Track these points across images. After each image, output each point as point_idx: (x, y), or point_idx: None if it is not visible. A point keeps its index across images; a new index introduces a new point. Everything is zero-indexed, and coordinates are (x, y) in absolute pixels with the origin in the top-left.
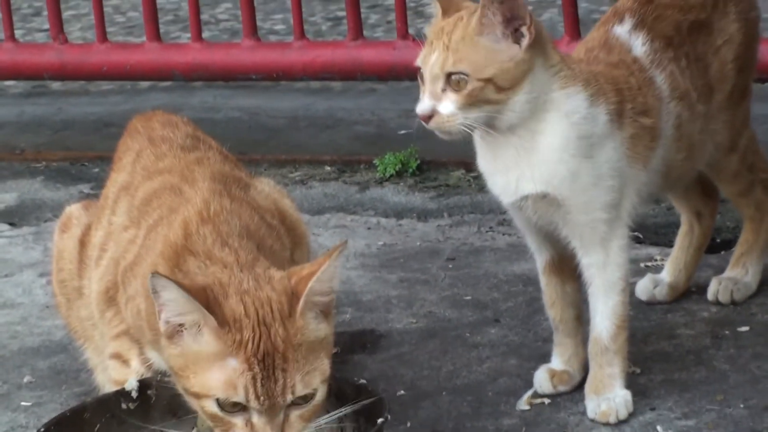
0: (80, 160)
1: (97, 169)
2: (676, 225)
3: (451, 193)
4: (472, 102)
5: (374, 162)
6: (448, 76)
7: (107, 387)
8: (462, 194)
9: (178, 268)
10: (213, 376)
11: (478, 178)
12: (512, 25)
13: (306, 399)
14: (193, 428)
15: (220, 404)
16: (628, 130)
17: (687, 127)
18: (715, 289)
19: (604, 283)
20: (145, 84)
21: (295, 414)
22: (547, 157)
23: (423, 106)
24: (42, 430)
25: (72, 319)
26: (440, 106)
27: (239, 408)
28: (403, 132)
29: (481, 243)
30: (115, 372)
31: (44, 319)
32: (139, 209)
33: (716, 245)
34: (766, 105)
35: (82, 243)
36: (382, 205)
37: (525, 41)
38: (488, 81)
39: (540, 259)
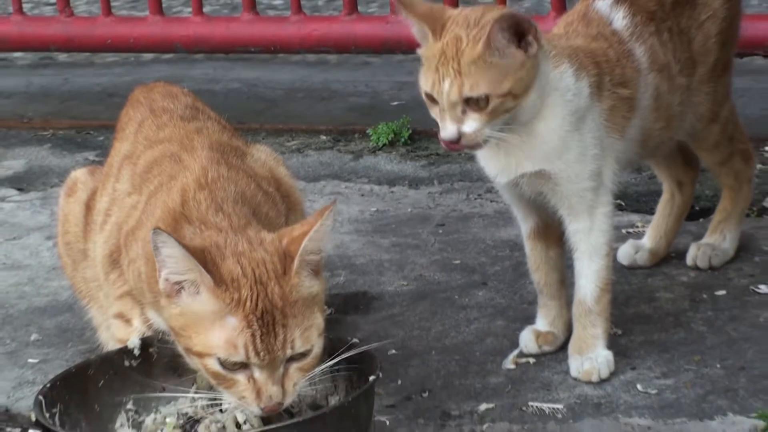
0: (85, 128)
1: (101, 138)
2: (658, 193)
3: (441, 162)
4: (495, 116)
5: (368, 132)
6: (467, 99)
7: (110, 345)
8: (452, 163)
9: (175, 233)
10: (214, 335)
11: None
12: (518, 39)
13: (304, 354)
14: (193, 385)
15: (222, 363)
16: (606, 101)
17: (665, 98)
18: (694, 254)
19: (589, 248)
20: (148, 56)
21: (294, 367)
22: (547, 138)
23: (449, 133)
24: (48, 385)
25: (77, 279)
26: (464, 126)
27: (240, 365)
28: (395, 103)
29: (469, 210)
30: (118, 330)
31: (50, 280)
32: (140, 176)
33: (695, 213)
34: (746, 79)
35: (88, 207)
36: (375, 173)
37: (532, 50)
38: (507, 94)
39: (525, 226)
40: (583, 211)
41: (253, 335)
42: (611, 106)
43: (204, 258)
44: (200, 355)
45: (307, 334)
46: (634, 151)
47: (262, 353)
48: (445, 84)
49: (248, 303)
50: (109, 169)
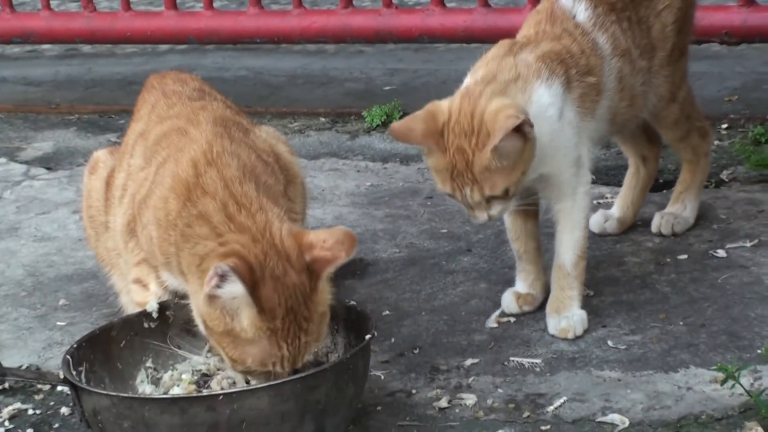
0: (108, 113)
1: (122, 121)
2: (625, 167)
3: None
4: (514, 195)
5: (363, 114)
6: (489, 198)
7: (130, 308)
8: None
9: (190, 202)
10: (249, 351)
11: None
12: (516, 131)
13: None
14: (206, 343)
15: (251, 370)
16: (576, 91)
17: (629, 79)
18: (658, 222)
19: (570, 223)
20: (163, 47)
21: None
22: (540, 153)
23: (481, 220)
24: (75, 346)
25: (100, 249)
26: (492, 211)
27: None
28: (387, 88)
29: None
30: (137, 295)
31: (77, 251)
32: (150, 149)
33: (659, 185)
34: (703, 63)
35: (108, 183)
36: (369, 151)
37: (531, 134)
38: (520, 176)
39: None
40: (567, 193)
41: (282, 356)
42: (581, 94)
43: (254, 280)
44: (233, 361)
45: (321, 341)
46: (605, 129)
47: (287, 366)
48: (466, 191)
49: (281, 332)
50: (125, 147)
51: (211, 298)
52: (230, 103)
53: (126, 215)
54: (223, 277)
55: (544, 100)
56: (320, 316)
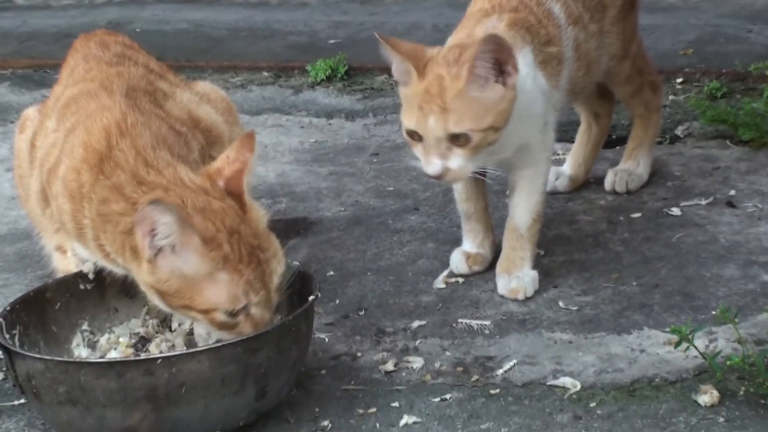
0: (42, 67)
1: (57, 76)
2: (577, 123)
3: (375, 96)
4: (477, 151)
5: (307, 68)
6: (451, 135)
7: (58, 275)
8: (385, 96)
9: (102, 174)
10: (215, 292)
11: None
12: (499, 68)
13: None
14: (144, 306)
15: (229, 313)
16: (540, 60)
17: (584, 47)
18: (611, 179)
19: (530, 187)
20: None
21: (275, 287)
22: (519, 121)
23: (434, 168)
24: (8, 308)
25: (30, 210)
26: (450, 162)
27: (243, 309)
28: (332, 41)
29: (402, 140)
30: (59, 262)
31: (11, 210)
32: (59, 112)
33: (612, 141)
34: (657, 16)
35: (32, 144)
36: (314, 106)
37: (511, 80)
38: (488, 128)
39: None
40: (532, 160)
41: (248, 282)
42: (544, 63)
43: (190, 217)
44: (206, 312)
45: (282, 257)
46: (565, 100)
47: (261, 292)
48: (430, 121)
49: (232, 255)
50: (45, 109)
51: (152, 260)
52: (155, 65)
53: (39, 181)
54: (152, 230)
55: (522, 71)
56: (266, 231)
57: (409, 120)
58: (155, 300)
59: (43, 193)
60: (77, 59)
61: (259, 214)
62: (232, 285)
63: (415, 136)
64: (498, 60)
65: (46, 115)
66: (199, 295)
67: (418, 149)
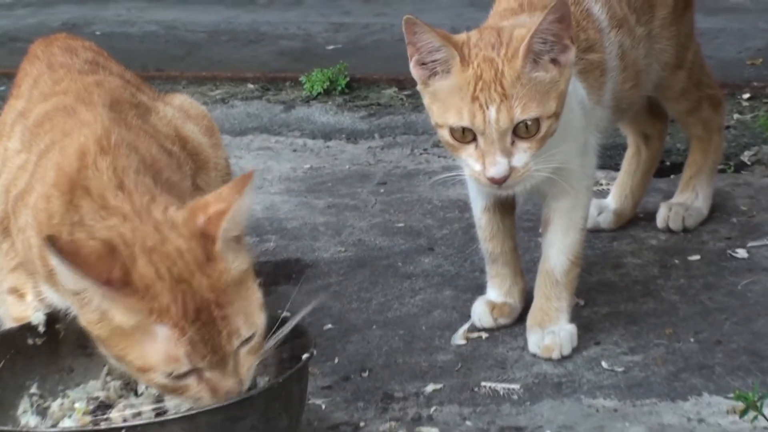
0: None
1: (2, 87)
2: (623, 147)
3: (382, 113)
4: (543, 144)
5: (300, 79)
6: (517, 125)
7: (7, 323)
8: (394, 114)
9: (72, 204)
10: (148, 350)
11: (412, 96)
12: (560, 44)
13: (251, 337)
14: (104, 365)
15: (168, 376)
16: (579, 67)
17: (631, 54)
18: (664, 215)
19: (567, 222)
20: None
21: (244, 352)
22: (557, 135)
23: (500, 169)
24: None
25: None
26: (514, 160)
27: (189, 372)
28: (331, 47)
29: (414, 166)
30: (13, 307)
31: None
32: (30, 131)
33: (665, 169)
34: (719, 18)
35: None
36: (308, 125)
37: (570, 55)
38: (553, 115)
39: (481, 203)
40: (569, 190)
41: (191, 341)
42: (585, 73)
43: (110, 264)
44: (142, 370)
45: (249, 318)
46: (609, 117)
47: (208, 356)
48: (491, 113)
49: (173, 308)
50: (2, 127)
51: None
52: (130, 75)
53: None
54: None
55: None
56: (231, 283)
57: (458, 116)
58: (95, 342)
59: (3, 224)
60: (40, 68)
61: (234, 266)
62: (170, 344)
63: (466, 135)
64: (557, 34)
65: (1, 134)
66: (132, 350)
67: (468, 152)
